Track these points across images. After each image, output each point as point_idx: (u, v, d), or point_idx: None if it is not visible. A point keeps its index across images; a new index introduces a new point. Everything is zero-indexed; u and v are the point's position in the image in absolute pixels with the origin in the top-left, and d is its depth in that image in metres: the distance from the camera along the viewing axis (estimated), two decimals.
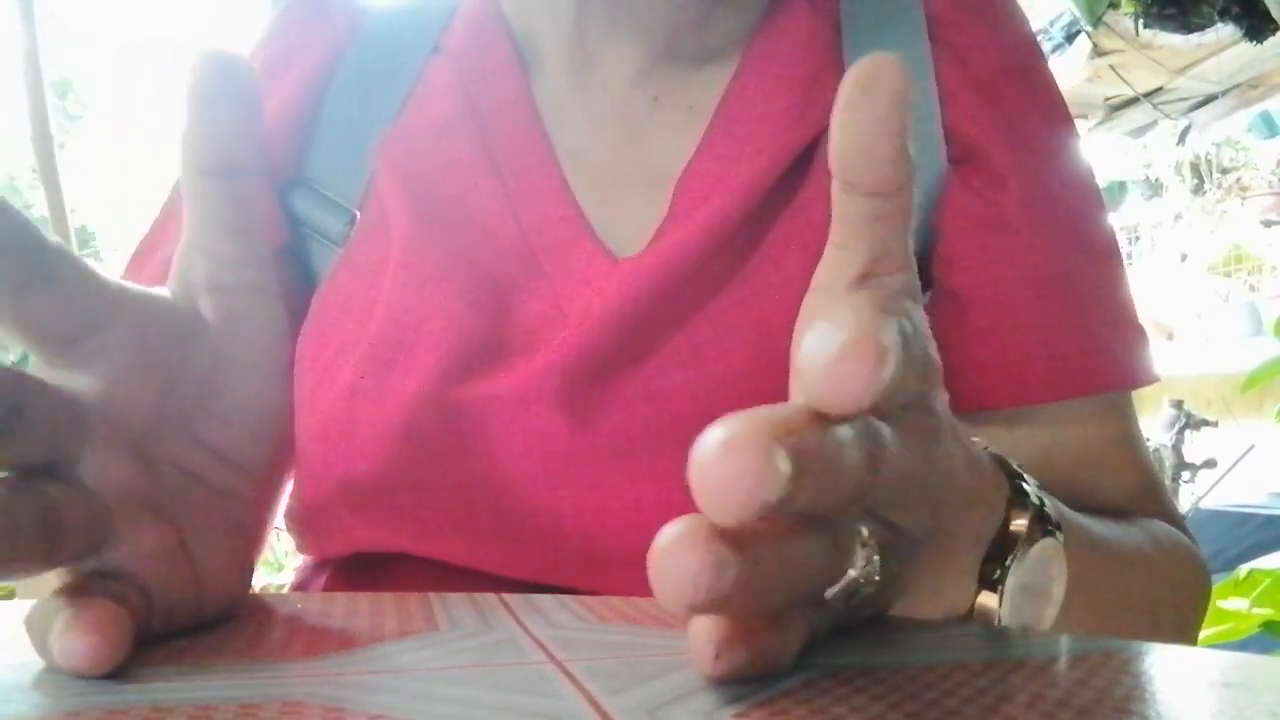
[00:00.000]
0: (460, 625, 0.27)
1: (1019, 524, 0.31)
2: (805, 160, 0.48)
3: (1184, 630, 0.44)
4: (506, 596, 0.31)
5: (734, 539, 0.19)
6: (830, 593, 0.23)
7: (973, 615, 0.30)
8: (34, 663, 0.23)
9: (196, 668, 0.22)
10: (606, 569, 0.41)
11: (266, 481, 0.44)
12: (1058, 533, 0.31)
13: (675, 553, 0.18)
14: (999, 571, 0.30)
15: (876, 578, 0.23)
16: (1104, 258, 0.50)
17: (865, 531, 0.23)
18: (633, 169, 0.50)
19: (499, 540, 0.43)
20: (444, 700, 0.19)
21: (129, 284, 0.27)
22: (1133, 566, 0.41)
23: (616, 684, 0.21)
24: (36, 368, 0.26)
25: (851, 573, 0.23)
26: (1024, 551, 0.30)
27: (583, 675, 0.21)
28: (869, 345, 0.18)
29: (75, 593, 0.23)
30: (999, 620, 0.30)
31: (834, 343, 0.18)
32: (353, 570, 0.48)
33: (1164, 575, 0.43)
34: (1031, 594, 0.30)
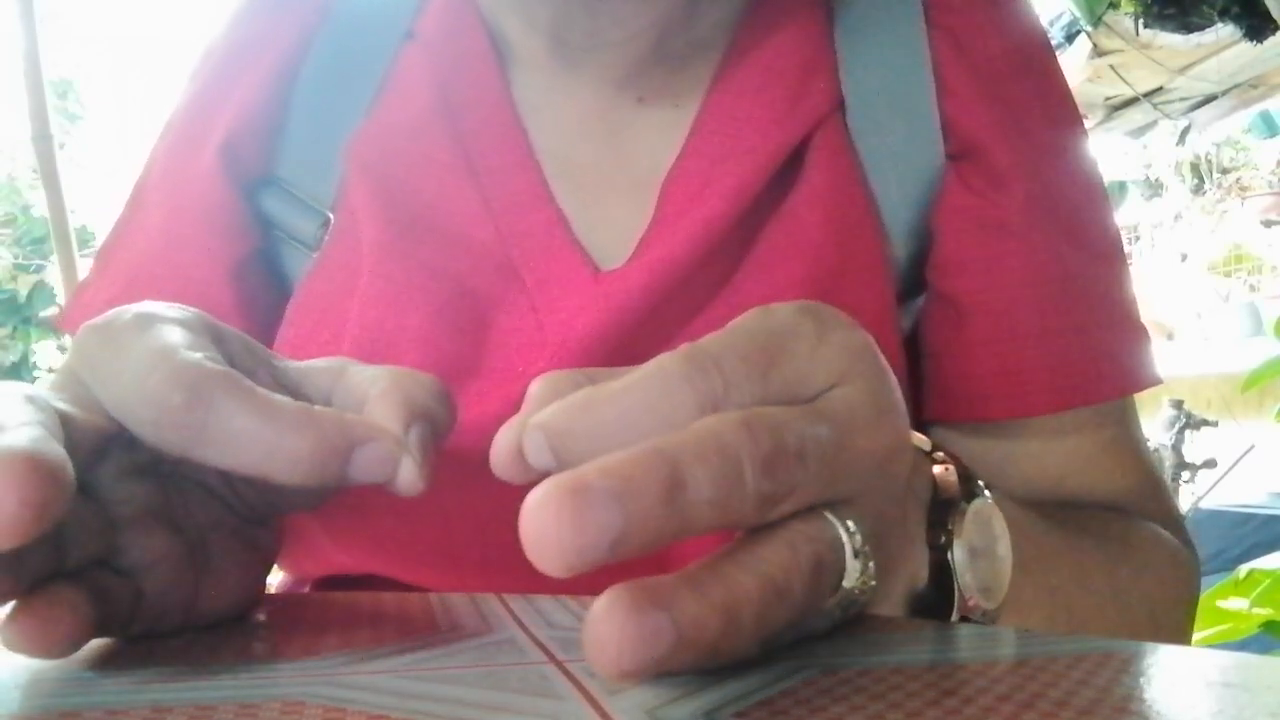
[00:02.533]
0: (460, 625, 0.27)
1: (948, 483, 0.30)
2: (795, 159, 0.46)
3: (1162, 626, 0.43)
4: (506, 596, 0.31)
5: (667, 598, 0.19)
6: (829, 604, 0.23)
7: (932, 587, 0.30)
8: (34, 663, 0.23)
9: (196, 668, 0.22)
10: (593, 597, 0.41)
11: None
12: (987, 492, 0.31)
13: (601, 623, 0.19)
14: (944, 536, 0.30)
15: (873, 583, 0.23)
16: (1106, 259, 0.48)
17: (859, 539, 0.23)
18: (617, 171, 0.47)
19: (483, 569, 0.42)
20: (444, 700, 0.19)
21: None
22: (1094, 553, 0.41)
23: (616, 684, 0.21)
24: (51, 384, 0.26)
25: (846, 585, 0.23)
26: (961, 512, 0.30)
27: (583, 675, 0.21)
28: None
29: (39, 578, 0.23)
30: (957, 585, 0.30)
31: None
32: (333, 590, 0.47)
33: (1133, 566, 0.42)
34: (980, 556, 0.30)
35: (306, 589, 0.49)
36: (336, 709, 0.19)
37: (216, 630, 0.27)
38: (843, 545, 0.22)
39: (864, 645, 0.24)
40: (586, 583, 0.46)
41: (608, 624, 0.18)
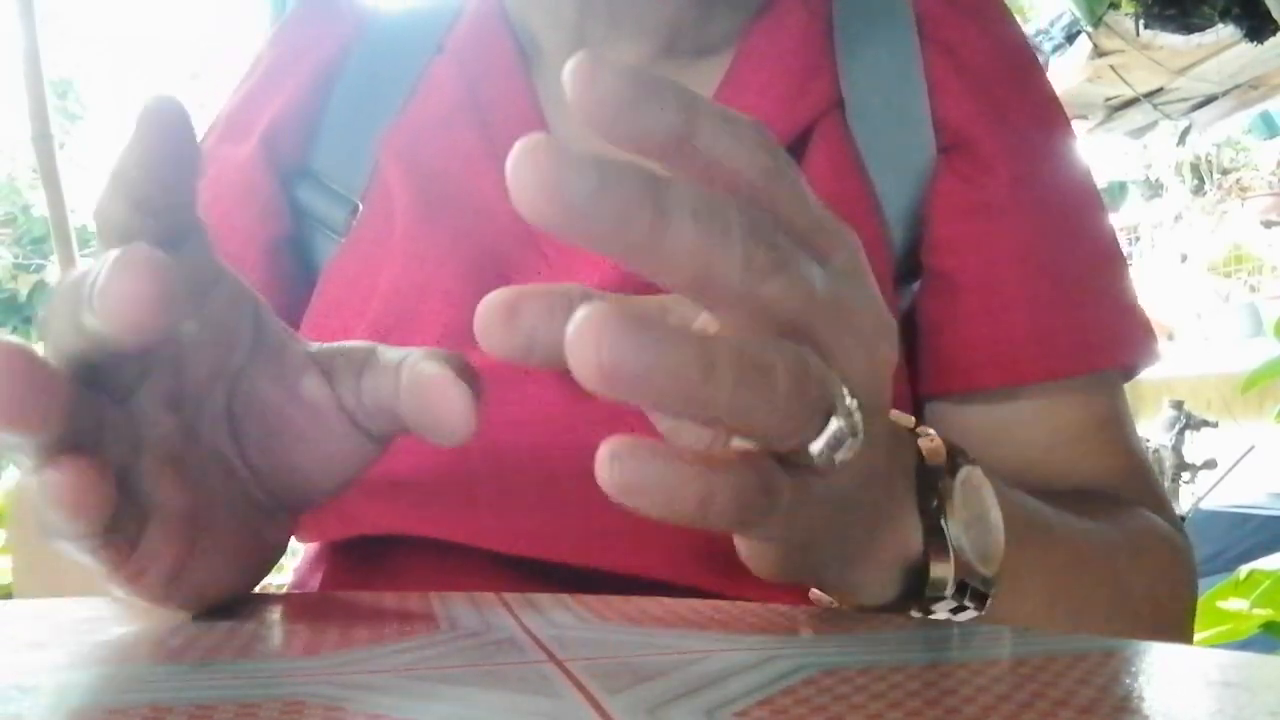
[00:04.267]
0: (460, 625, 0.27)
1: (934, 451, 0.31)
2: (798, 146, 0.49)
3: (1162, 611, 0.44)
4: (506, 596, 0.31)
5: (650, 317, 0.19)
6: (815, 447, 0.23)
7: (927, 557, 0.30)
8: (34, 662, 0.23)
9: (196, 668, 0.22)
10: (604, 539, 0.42)
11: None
12: (974, 464, 0.31)
13: (584, 317, 0.19)
14: (935, 500, 0.30)
15: (860, 431, 0.23)
16: (1098, 248, 0.50)
17: (846, 391, 0.23)
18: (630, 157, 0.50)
19: (498, 512, 0.44)
20: (444, 700, 0.20)
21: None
22: (1090, 536, 0.41)
23: (616, 684, 0.21)
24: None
25: (835, 422, 0.23)
26: (949, 480, 0.30)
27: (583, 675, 0.21)
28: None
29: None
30: (952, 549, 0.30)
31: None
32: (351, 557, 0.48)
33: (1129, 551, 0.43)
34: (973, 523, 0.30)
35: (323, 569, 0.49)
36: (336, 709, 0.19)
37: (217, 630, 0.27)
38: (831, 378, 0.23)
39: (864, 645, 0.24)
40: (583, 550, 0.46)
41: (590, 315, 0.19)
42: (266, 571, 0.30)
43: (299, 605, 0.31)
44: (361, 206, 0.51)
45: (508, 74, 0.53)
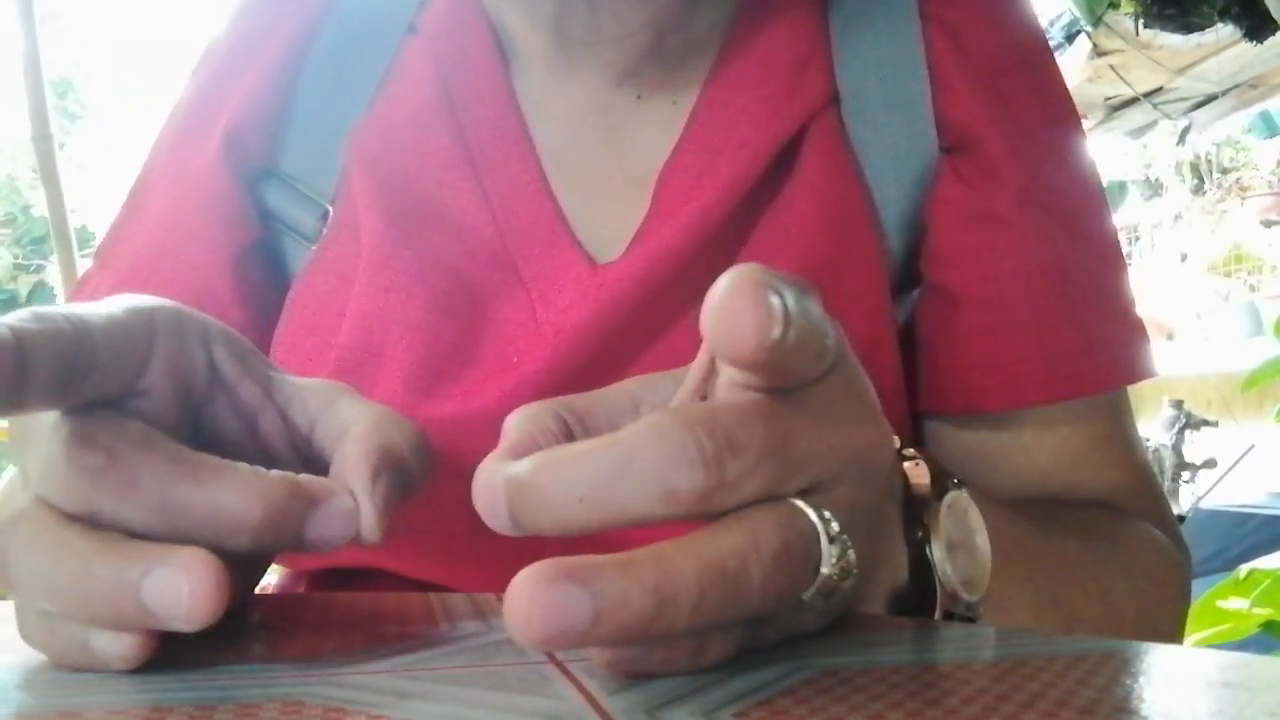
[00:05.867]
0: (460, 625, 0.27)
1: (920, 480, 0.30)
2: (790, 152, 0.46)
3: (1151, 623, 0.43)
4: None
5: (589, 575, 0.19)
6: (808, 594, 0.23)
7: (912, 584, 0.30)
8: (34, 662, 0.23)
9: (196, 668, 0.22)
10: None
11: None
12: (962, 487, 0.31)
13: (516, 591, 0.19)
14: (920, 531, 0.29)
15: (855, 571, 0.23)
16: (1102, 255, 0.48)
17: (835, 525, 0.22)
18: (614, 166, 0.48)
19: (475, 561, 0.42)
20: (444, 700, 0.19)
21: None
22: (1080, 552, 0.40)
23: (616, 684, 0.21)
24: None
25: (824, 571, 0.22)
26: (935, 506, 0.30)
27: (583, 675, 0.21)
28: (756, 284, 0.20)
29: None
30: (938, 580, 0.29)
31: (722, 291, 0.20)
32: (328, 585, 0.47)
33: (1121, 567, 0.42)
34: (958, 548, 0.30)
35: (302, 587, 0.49)
36: (336, 709, 0.19)
37: (216, 630, 0.26)
38: (816, 532, 0.22)
39: (863, 645, 0.24)
40: None
41: (522, 593, 0.19)
42: (254, 586, 0.30)
43: (299, 607, 0.31)
44: (331, 212, 0.48)
45: (483, 68, 0.49)
